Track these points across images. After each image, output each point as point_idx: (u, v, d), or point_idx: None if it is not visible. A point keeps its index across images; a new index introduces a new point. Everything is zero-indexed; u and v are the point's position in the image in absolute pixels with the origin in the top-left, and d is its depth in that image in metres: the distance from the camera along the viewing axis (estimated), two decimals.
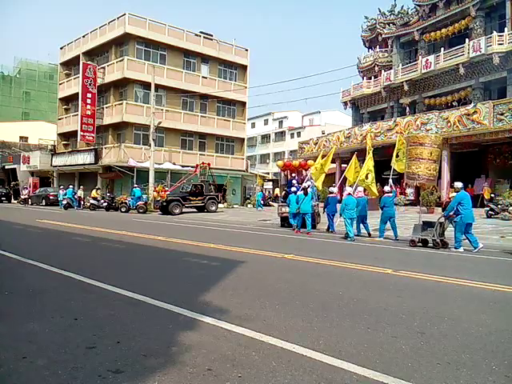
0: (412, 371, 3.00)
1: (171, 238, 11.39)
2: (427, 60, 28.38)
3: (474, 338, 3.78)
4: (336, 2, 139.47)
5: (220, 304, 4.69)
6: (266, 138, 60.95)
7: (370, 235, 13.26)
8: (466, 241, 10.61)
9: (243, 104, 38.14)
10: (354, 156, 17.44)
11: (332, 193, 15.17)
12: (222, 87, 35.57)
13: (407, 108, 30.76)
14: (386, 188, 13.33)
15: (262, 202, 29.60)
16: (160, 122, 28.13)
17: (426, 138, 12.17)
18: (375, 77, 33.51)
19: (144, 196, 25.65)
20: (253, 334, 3.70)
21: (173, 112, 33.50)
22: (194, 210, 25.26)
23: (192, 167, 29.46)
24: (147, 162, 28.68)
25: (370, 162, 14.24)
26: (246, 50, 38.22)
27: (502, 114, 20.89)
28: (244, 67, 38.07)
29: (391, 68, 31.90)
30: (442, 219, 10.99)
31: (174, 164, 32.11)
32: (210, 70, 36.06)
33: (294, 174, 23.98)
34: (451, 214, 10.67)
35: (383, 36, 33.16)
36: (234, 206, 32.20)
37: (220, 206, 27.00)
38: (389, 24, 33.49)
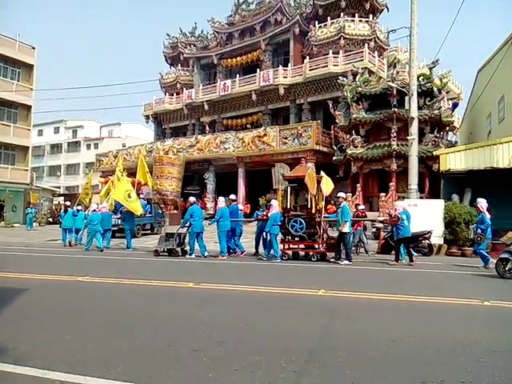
0: (212, 380, 2.98)
1: None
2: (225, 84, 30.41)
3: (269, 340, 3.93)
4: (143, 15, 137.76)
5: None
6: (56, 147, 54.50)
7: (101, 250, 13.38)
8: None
9: (28, 108, 33.14)
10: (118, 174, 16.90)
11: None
12: (0, 87, 30.16)
13: (207, 126, 32.16)
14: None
15: (35, 219, 26.75)
16: None
17: (164, 158, 13.75)
18: (177, 94, 34.03)
19: None
20: None
21: None
22: None
23: None
24: None
25: (126, 183, 14.59)
26: (33, 48, 33.59)
27: (286, 138, 23.88)
28: (30, 66, 33.30)
29: (193, 87, 32.96)
30: (181, 230, 12.18)
31: None
32: None
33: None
34: (187, 225, 11.82)
35: (185, 55, 34.09)
36: (15, 224, 27.40)
37: None
38: (190, 45, 34.67)
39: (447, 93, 22.24)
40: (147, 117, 35.96)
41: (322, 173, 11.70)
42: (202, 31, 35.65)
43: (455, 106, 21.61)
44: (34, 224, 25.81)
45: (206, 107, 31.40)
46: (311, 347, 3.72)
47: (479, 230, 10.00)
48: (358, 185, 20.20)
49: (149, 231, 19.65)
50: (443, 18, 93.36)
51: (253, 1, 32.55)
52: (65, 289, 6.67)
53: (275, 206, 11.22)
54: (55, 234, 19.12)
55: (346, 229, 10.36)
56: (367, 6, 26.77)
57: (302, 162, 12.32)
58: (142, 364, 3.26)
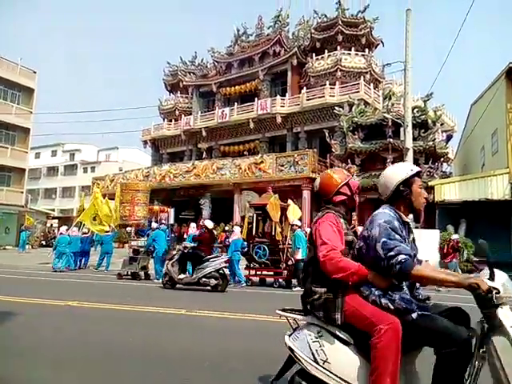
0: None
1: None
2: (223, 111, 30.85)
3: (263, 371, 3.64)
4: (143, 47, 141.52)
5: None
6: (53, 170, 54.59)
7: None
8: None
9: (26, 130, 33.34)
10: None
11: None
12: (0, 109, 30.40)
13: (204, 153, 32.39)
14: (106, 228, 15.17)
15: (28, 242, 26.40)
16: None
17: (134, 185, 14.37)
18: (176, 120, 34.42)
19: None
20: None
21: None
22: None
23: None
24: None
25: (92, 207, 15.20)
26: (35, 72, 34.07)
27: (282, 166, 24.06)
28: (30, 90, 33.71)
29: (191, 114, 33.39)
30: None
31: None
32: None
33: None
34: (150, 249, 12.26)
35: (184, 83, 34.69)
36: (7, 247, 27.08)
37: None
38: (189, 73, 35.35)
39: (441, 125, 22.60)
40: (145, 142, 36.24)
41: (290, 201, 11.94)
42: (202, 60, 36.41)
43: (449, 137, 21.94)
44: (27, 246, 25.53)
45: (204, 134, 31.72)
46: None
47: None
48: (354, 213, 20.19)
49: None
50: (438, 53, 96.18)
51: (252, 33, 33.46)
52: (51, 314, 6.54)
53: (237, 233, 11.67)
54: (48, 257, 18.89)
55: (299, 256, 10.37)
56: (363, 40, 27.56)
57: (268, 189, 12.52)
58: None
